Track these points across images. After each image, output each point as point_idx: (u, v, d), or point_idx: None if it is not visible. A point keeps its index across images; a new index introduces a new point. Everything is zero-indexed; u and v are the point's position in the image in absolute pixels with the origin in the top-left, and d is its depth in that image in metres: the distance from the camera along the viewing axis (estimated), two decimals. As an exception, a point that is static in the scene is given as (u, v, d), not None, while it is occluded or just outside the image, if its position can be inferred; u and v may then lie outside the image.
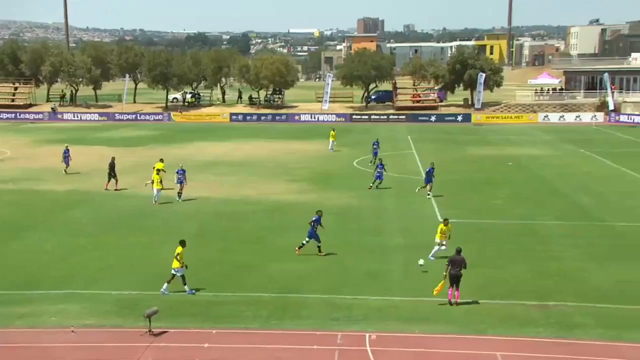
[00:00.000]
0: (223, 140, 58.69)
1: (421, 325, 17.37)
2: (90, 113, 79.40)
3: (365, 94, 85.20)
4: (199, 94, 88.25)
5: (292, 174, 40.88)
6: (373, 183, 35.75)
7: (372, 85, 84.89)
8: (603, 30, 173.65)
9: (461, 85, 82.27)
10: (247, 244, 25.13)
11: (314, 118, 76.66)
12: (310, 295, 19.63)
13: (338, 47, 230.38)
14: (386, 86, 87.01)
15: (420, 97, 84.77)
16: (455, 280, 18.75)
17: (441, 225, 23.05)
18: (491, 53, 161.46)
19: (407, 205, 31.82)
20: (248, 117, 77.43)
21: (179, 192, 32.59)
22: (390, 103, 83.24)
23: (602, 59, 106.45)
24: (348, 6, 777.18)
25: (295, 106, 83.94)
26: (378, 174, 35.81)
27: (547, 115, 73.43)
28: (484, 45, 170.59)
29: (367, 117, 76.60)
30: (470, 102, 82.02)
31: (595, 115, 70.90)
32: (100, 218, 29.36)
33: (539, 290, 19.65)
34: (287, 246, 24.93)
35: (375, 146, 44.47)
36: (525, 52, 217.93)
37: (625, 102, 74.74)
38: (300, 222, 28.48)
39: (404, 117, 75.80)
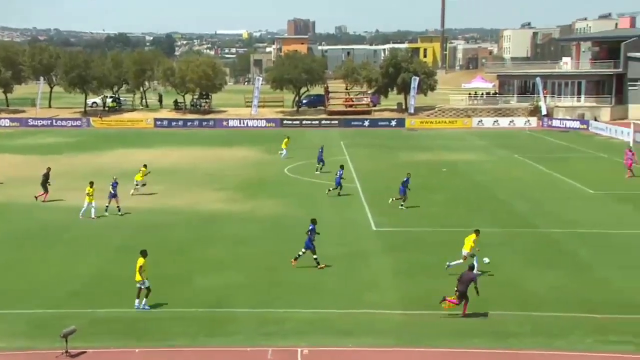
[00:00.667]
0: (147, 147, 57.76)
1: (355, 338, 17.50)
2: (0, 119, 76.83)
3: (296, 98, 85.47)
4: (120, 98, 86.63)
5: (220, 182, 40.59)
6: (335, 189, 36.05)
7: (303, 89, 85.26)
8: (535, 34, 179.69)
9: (395, 89, 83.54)
10: (173, 256, 24.80)
11: (243, 124, 76.39)
12: (240, 310, 19.51)
13: (268, 49, 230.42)
14: (318, 90, 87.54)
15: (353, 101, 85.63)
16: (460, 295, 18.69)
17: (473, 236, 22.47)
18: (425, 56, 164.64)
19: (340, 214, 32.04)
20: (173, 123, 76.48)
21: (115, 207, 31.87)
22: (322, 107, 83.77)
23: (534, 63, 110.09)
24: (278, 7, 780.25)
25: (224, 111, 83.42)
26: (337, 179, 36.10)
27: (481, 120, 75.33)
28: (418, 48, 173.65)
29: (298, 122, 76.80)
30: (404, 107, 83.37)
31: (528, 120, 73.14)
32: (15, 231, 28.42)
33: (475, 299, 20.07)
34: (216, 258, 24.74)
35: (320, 152, 44.69)
36: (459, 55, 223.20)
37: (557, 106, 77.42)
38: (230, 233, 28.33)
39: (336, 122, 76.35)
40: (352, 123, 75.61)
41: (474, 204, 34.12)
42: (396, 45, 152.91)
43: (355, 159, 49.76)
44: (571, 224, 29.56)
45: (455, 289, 18.87)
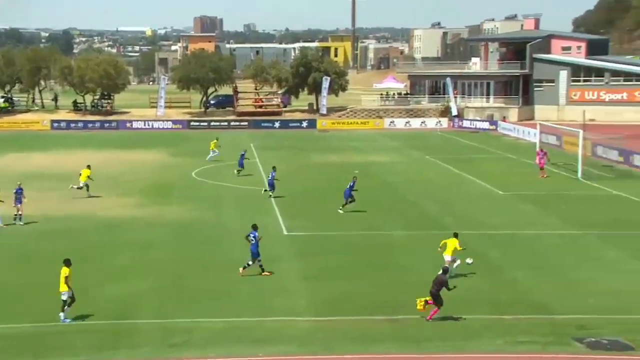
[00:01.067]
0: (44, 150, 55.94)
1: (267, 347, 17.53)
2: None
3: (204, 99, 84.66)
4: (12, 98, 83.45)
5: (125, 187, 39.80)
6: (267, 191, 36.48)
7: (211, 89, 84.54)
8: (445, 34, 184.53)
9: (305, 89, 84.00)
10: (77, 264, 23.99)
11: (148, 125, 75.07)
12: (145, 320, 19.21)
13: (173, 48, 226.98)
14: (226, 90, 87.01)
15: (262, 101, 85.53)
16: (433, 297, 19.00)
17: (456, 241, 22.93)
18: (336, 55, 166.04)
19: (250, 218, 31.90)
20: (72, 125, 74.35)
21: (19, 215, 30.60)
22: (231, 108, 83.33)
23: (444, 63, 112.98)
24: (183, 3, 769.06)
25: (127, 112, 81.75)
26: (270, 181, 36.38)
27: (393, 121, 76.74)
28: (328, 47, 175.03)
29: (206, 123, 76.15)
30: (315, 107, 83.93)
31: (439, 121, 75.03)
32: None
33: (387, 303, 20.48)
34: (121, 265, 24.27)
35: (242, 155, 44.49)
36: (371, 55, 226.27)
37: (467, 107, 79.79)
38: (135, 239, 27.83)
39: (246, 123, 76.14)
40: (262, 124, 75.57)
41: (386, 206, 34.75)
42: (306, 44, 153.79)
43: (265, 162, 49.72)
44: (481, 226, 30.54)
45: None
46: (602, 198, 36.65)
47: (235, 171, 43.43)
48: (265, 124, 75.71)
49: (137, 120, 75.97)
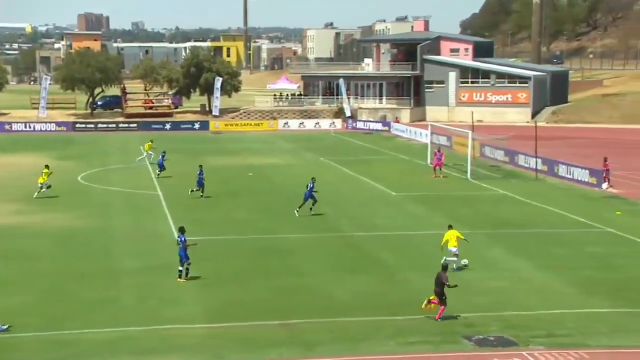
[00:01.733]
0: None
1: (157, 356, 17.34)
2: None
3: (90, 100, 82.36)
4: None
5: (5, 194, 38.25)
6: (197, 190, 37.10)
7: (97, 90, 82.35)
8: (337, 34, 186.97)
9: (197, 89, 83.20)
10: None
11: (30, 127, 72.38)
12: (26, 334, 18.59)
13: (56, 46, 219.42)
14: (114, 90, 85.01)
15: (153, 102, 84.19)
16: (438, 297, 19.64)
17: (454, 231, 24.77)
18: (228, 55, 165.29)
19: (140, 224, 31.50)
20: (-55, 127, 70.72)
21: None
22: (119, 110, 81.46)
23: (337, 63, 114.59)
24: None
25: (6, 113, 78.56)
26: (200, 180, 36.90)
27: (287, 122, 77.16)
28: (220, 47, 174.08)
29: (93, 125, 74.18)
30: (207, 109, 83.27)
31: (333, 122, 76.06)
32: None
33: (281, 308, 20.66)
34: (0, 277, 23.33)
35: (162, 156, 44.48)
36: (264, 55, 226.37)
37: (360, 108, 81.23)
38: (17, 248, 26.82)
39: (135, 125, 74.67)
40: (153, 126, 74.34)
41: (280, 209, 34.96)
42: (198, 44, 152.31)
43: (156, 166, 48.89)
44: (375, 227, 31.25)
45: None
46: (489, 198, 38.21)
47: (157, 172, 43.65)
48: (156, 126, 74.48)
49: (17, 122, 73.14)
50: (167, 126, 74.71)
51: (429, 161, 48.63)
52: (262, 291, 22.33)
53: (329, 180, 43.95)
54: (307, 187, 33.28)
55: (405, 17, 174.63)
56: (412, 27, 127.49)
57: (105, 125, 74.28)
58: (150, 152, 49.53)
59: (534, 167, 44.86)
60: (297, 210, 33.07)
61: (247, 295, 21.88)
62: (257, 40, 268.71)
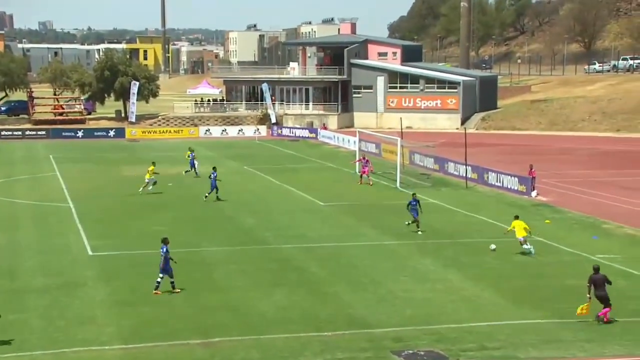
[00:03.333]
0: None
1: (70, 382, 16.92)
2: None
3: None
4: None
5: None
6: (210, 193, 39.16)
7: (1, 95, 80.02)
8: (261, 37, 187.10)
9: (112, 95, 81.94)
10: None
11: None
12: None
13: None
14: (20, 95, 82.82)
15: (63, 108, 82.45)
16: (603, 301, 20.45)
17: (520, 222, 28.26)
18: (145, 58, 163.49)
19: (49, 239, 30.75)
20: None
21: None
22: (25, 116, 79.37)
23: (262, 67, 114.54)
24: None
25: None
26: (213, 182, 38.89)
27: (209, 129, 76.67)
28: (137, 49, 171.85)
29: (-3, 132, 72.02)
30: (123, 115, 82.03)
31: (258, 129, 75.99)
32: None
33: (203, 326, 20.45)
34: None
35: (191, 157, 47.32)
36: (183, 58, 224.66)
37: (286, 114, 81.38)
38: None
39: (43, 132, 72.96)
40: (64, 134, 72.80)
41: (201, 220, 34.69)
42: (112, 46, 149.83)
43: (67, 176, 47.92)
44: (302, 239, 31.30)
45: (588, 296, 20.61)
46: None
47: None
48: (67, 133, 72.93)
49: None
50: (80, 134, 73.18)
51: (357, 170, 49.08)
52: (183, 308, 22.06)
53: (253, 189, 43.83)
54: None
55: (332, 20, 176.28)
56: (339, 29, 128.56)
57: (10, 133, 72.25)
58: (152, 178, 45.81)
59: (464, 175, 45.78)
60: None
61: (166, 314, 21.57)
62: (176, 42, 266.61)
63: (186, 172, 47.22)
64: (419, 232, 31.97)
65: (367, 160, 45.75)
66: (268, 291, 23.84)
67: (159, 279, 23.39)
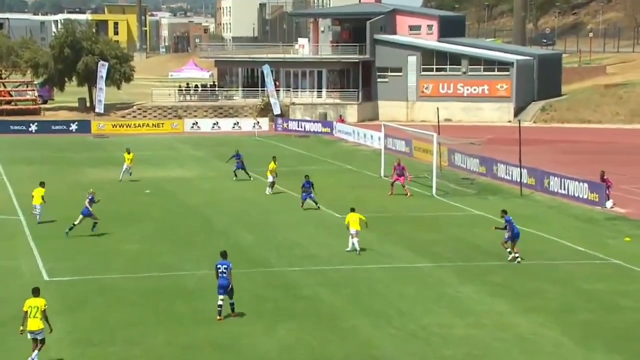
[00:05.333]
0: None
1: None
2: None
3: None
4: None
5: None
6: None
7: None
8: (262, 6, 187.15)
9: (74, 78, 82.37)
10: None
11: None
12: None
13: None
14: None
15: (11, 95, 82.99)
16: None
17: (358, 215, 31.98)
18: (116, 33, 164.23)
19: (-3, 260, 31.00)
20: None
21: None
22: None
23: (262, 45, 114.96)
24: None
25: None
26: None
27: (197, 122, 76.97)
28: (105, 21, 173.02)
29: None
30: (88, 104, 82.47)
31: (258, 122, 76.11)
32: None
33: (188, 368, 20.57)
34: None
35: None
36: (164, 32, 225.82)
37: (294, 104, 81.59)
38: None
39: (-15, 126, 73.43)
40: (12, 127, 73.31)
41: (185, 236, 34.83)
42: (73, 16, 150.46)
43: (17, 181, 48.19)
44: (312, 260, 31.36)
45: None
46: (460, 220, 38.77)
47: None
48: (16, 127, 73.47)
49: None
50: (33, 127, 73.64)
51: (382, 172, 49.06)
52: (161, 347, 22.17)
53: (251, 198, 43.93)
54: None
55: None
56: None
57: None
58: (129, 166, 47.32)
59: (518, 179, 45.72)
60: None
61: (140, 355, 21.67)
62: (154, 13, 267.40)
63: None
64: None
65: (404, 167, 45.22)
66: (269, 326, 23.91)
67: (220, 302, 24.29)
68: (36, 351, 20.48)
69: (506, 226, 31.26)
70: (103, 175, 50.97)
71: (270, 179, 44.96)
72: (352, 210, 32.52)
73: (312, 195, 40.37)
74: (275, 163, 45.50)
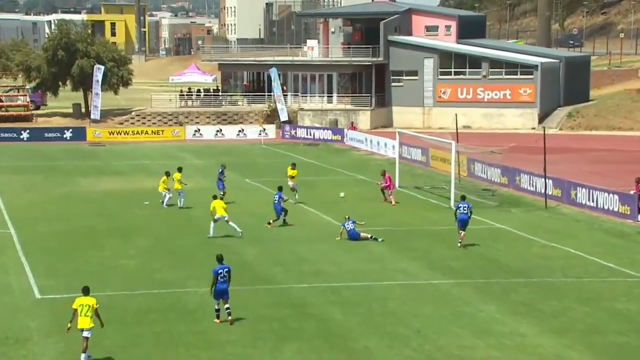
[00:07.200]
0: None
1: None
2: None
3: None
4: None
5: None
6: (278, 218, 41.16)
7: None
8: (268, 6, 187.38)
9: (68, 83, 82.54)
10: None
11: None
12: None
13: None
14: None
15: (2, 101, 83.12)
16: None
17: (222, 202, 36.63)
18: (113, 34, 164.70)
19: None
20: None
21: None
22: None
23: (269, 47, 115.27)
24: None
25: None
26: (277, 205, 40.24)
27: (199, 130, 77.06)
28: (102, 22, 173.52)
29: None
30: (84, 110, 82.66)
31: (264, 129, 76.21)
32: None
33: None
34: None
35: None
36: (165, 34, 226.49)
37: (302, 109, 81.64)
38: None
39: (-25, 133, 73.70)
40: (3, 135, 73.54)
41: (186, 251, 34.82)
42: (68, 17, 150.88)
43: (8, 192, 48.32)
44: (321, 276, 31.31)
45: None
46: (480, 234, 38.60)
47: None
48: (7, 135, 73.68)
49: None
50: (24, 135, 73.80)
51: (397, 184, 49.06)
52: (160, 370, 22.14)
53: (256, 210, 43.91)
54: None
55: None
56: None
57: None
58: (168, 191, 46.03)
59: (543, 191, 45.64)
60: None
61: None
62: (154, 12, 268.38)
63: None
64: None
65: (390, 177, 46.01)
66: (275, 347, 23.88)
67: (216, 306, 25.51)
68: (87, 353, 22.06)
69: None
70: (100, 186, 51.04)
71: (290, 184, 45.90)
72: (215, 197, 37.50)
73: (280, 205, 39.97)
74: (294, 169, 46.48)
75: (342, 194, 45.78)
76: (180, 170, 45.17)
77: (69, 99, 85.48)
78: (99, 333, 24.76)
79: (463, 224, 35.45)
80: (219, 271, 25.28)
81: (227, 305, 25.44)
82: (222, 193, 43.74)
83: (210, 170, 57.61)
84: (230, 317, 25.39)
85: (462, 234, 35.38)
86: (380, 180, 46.20)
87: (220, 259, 25.86)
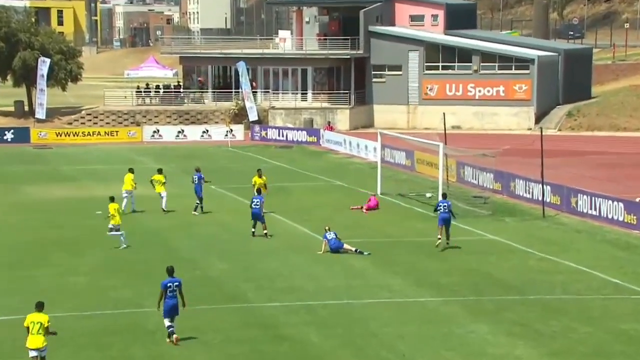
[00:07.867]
0: None
1: None
2: None
3: None
4: None
5: None
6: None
7: None
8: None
9: (9, 78, 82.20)
10: None
11: None
12: None
13: None
14: None
15: None
16: None
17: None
18: (60, 23, 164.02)
19: None
20: None
21: None
22: None
23: (236, 38, 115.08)
24: None
25: None
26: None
27: (158, 130, 76.86)
28: (47, 9, 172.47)
29: None
30: (27, 108, 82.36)
31: (231, 130, 76.07)
32: None
33: None
34: None
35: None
36: (119, 23, 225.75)
37: (274, 108, 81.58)
38: None
39: None
40: None
41: (143, 266, 34.77)
42: (8, 3, 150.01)
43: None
44: (295, 293, 31.34)
45: None
46: (471, 246, 38.79)
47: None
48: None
49: None
50: (-39, 137, 73.45)
51: (378, 190, 49.19)
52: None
53: (223, 220, 44.01)
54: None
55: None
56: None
57: None
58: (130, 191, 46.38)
59: (540, 198, 45.84)
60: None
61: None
62: (106, 0, 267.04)
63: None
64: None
65: (377, 201, 46.65)
66: (244, 372, 23.93)
67: (167, 323, 25.77)
68: None
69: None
70: (46, 193, 50.86)
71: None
72: (130, 170, 44.73)
73: None
74: (260, 177, 45.18)
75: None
76: (160, 171, 46.67)
77: (10, 96, 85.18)
78: (49, 358, 24.79)
79: (446, 222, 36.16)
80: (168, 285, 25.49)
81: (171, 324, 25.67)
82: (198, 202, 45.28)
83: (171, 176, 57.58)
84: (175, 336, 25.51)
85: (442, 232, 36.80)
86: (365, 204, 46.17)
87: (170, 271, 26.04)
